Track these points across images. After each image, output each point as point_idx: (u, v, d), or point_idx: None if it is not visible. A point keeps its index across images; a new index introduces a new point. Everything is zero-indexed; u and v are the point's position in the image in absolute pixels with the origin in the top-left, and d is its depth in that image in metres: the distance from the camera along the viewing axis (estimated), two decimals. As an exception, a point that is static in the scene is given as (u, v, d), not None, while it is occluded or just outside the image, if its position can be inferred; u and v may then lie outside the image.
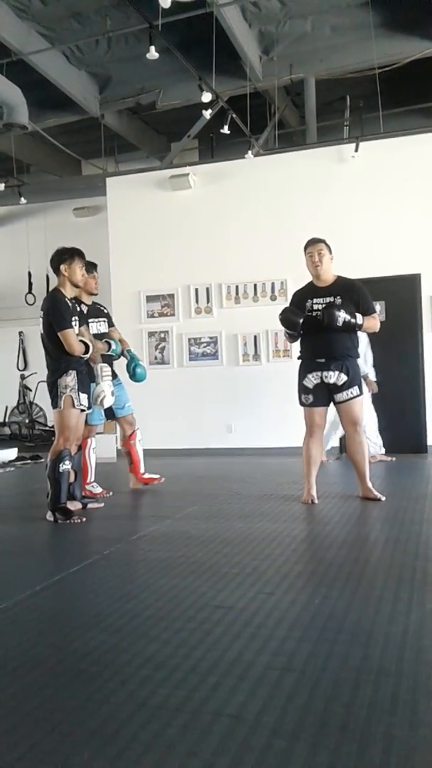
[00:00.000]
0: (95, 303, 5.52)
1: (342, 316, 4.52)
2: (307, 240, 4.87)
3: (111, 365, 5.35)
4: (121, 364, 5.62)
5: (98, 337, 5.26)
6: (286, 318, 4.74)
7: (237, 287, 8.27)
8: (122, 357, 5.51)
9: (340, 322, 4.52)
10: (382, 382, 6.88)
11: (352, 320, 4.59)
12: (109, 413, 5.51)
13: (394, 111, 8.94)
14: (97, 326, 5.38)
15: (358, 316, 4.64)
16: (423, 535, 3.74)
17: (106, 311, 5.62)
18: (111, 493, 5.46)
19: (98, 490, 5.45)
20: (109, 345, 5.31)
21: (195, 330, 8.45)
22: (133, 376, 5.57)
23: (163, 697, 1.94)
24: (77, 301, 4.96)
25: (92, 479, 5.46)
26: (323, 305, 4.68)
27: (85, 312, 5.22)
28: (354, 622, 2.48)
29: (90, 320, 5.26)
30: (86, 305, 5.34)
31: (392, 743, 1.65)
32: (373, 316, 4.75)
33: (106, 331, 5.48)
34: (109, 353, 5.31)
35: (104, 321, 5.51)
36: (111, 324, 5.59)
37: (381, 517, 4.32)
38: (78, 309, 4.78)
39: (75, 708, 1.90)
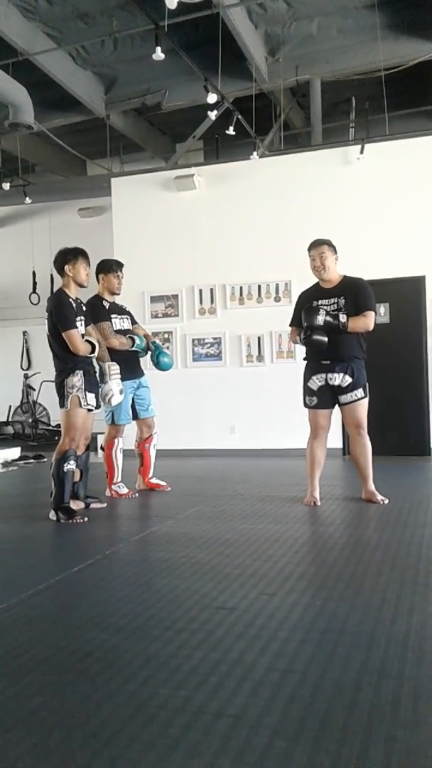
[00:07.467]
0: (115, 303, 5.47)
1: (320, 318, 4.50)
2: (311, 242, 4.85)
3: (139, 362, 5.43)
4: (146, 364, 5.62)
5: (122, 333, 5.31)
6: (311, 342, 4.63)
7: (241, 288, 8.27)
8: (148, 351, 5.47)
9: (319, 322, 4.51)
10: (385, 384, 6.85)
11: (333, 321, 4.55)
12: (132, 414, 5.48)
13: (399, 113, 8.95)
14: (120, 322, 5.39)
15: (342, 317, 4.57)
16: (426, 538, 3.73)
17: (127, 309, 5.60)
18: (137, 495, 5.44)
19: (124, 490, 5.39)
20: (134, 340, 5.34)
21: (199, 331, 8.45)
22: (158, 364, 5.49)
23: (164, 697, 1.94)
24: (110, 298, 5.08)
25: (119, 479, 5.42)
26: (329, 306, 4.67)
27: (107, 308, 5.29)
28: (356, 624, 2.47)
29: (113, 316, 5.31)
30: (107, 302, 5.36)
31: (393, 745, 1.65)
32: (365, 314, 4.62)
33: (130, 327, 5.47)
34: (134, 348, 5.34)
35: (127, 318, 5.49)
36: (134, 321, 5.59)
37: (384, 519, 4.31)
38: (83, 308, 4.78)
39: (76, 708, 1.90)
